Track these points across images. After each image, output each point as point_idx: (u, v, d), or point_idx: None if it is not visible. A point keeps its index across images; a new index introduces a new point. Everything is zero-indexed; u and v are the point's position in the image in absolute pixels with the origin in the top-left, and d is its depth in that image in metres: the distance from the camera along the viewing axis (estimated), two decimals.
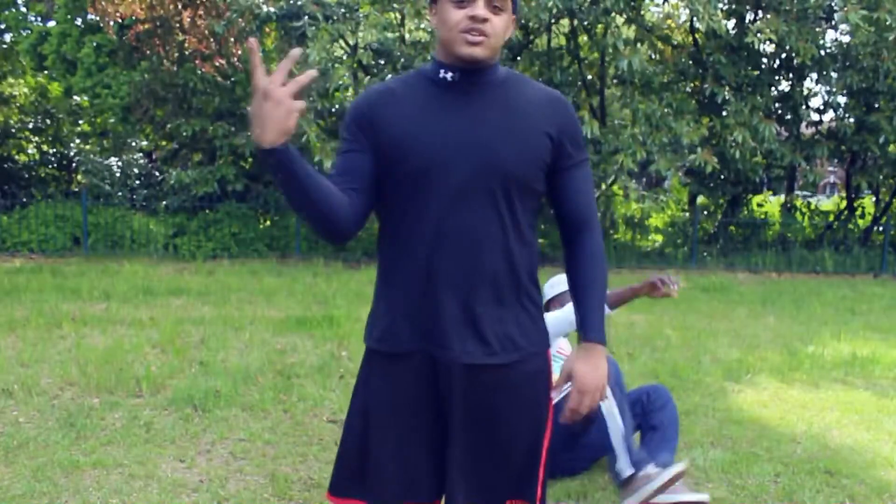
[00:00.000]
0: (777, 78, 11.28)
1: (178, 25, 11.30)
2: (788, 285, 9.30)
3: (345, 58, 10.61)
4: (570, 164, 1.57)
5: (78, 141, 15.14)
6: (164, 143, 13.41)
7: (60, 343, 5.12)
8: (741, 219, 12.25)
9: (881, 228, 11.96)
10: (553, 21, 10.47)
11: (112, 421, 3.58)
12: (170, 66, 11.37)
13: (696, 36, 11.38)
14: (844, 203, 13.08)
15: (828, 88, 10.90)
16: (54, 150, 14.50)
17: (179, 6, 11.22)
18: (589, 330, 1.57)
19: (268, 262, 10.43)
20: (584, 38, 11.48)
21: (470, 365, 1.52)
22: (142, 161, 13.05)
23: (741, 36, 10.16)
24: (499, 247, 1.51)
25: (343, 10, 9.65)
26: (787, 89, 11.38)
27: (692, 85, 11.55)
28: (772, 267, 10.90)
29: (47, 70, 12.72)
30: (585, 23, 10.01)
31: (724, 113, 10.06)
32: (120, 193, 11.64)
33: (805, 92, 11.37)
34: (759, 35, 9.26)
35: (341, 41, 10.59)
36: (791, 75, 11.27)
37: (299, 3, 9.69)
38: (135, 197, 11.77)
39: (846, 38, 11.15)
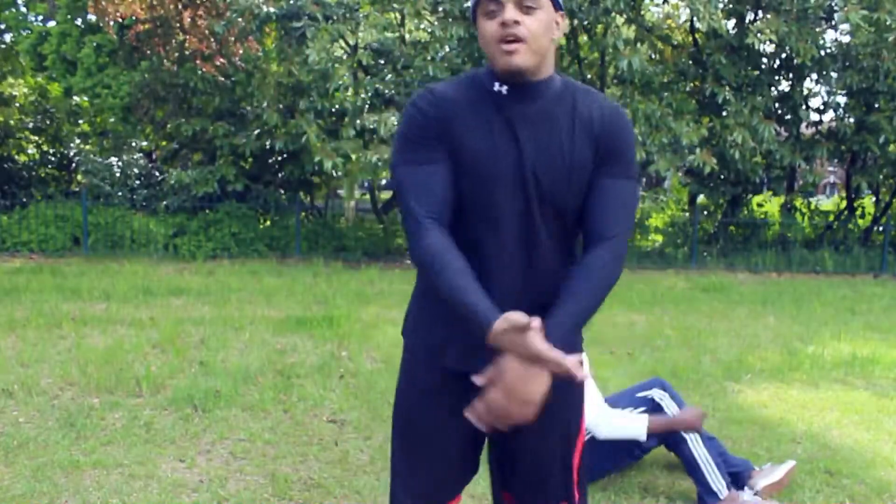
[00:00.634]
0: (777, 78, 11.28)
1: (178, 25, 11.30)
2: (788, 285, 9.29)
3: (345, 58, 10.60)
4: (607, 174, 1.48)
5: (78, 141, 15.14)
6: (164, 143, 13.41)
7: (60, 343, 5.13)
8: (741, 219, 12.25)
9: (881, 228, 11.96)
10: None
11: (112, 421, 3.58)
12: (170, 66, 11.37)
13: (696, 36, 11.38)
14: (844, 203, 13.08)
15: (828, 88, 10.89)
16: (54, 150, 14.50)
17: (180, 6, 11.23)
18: (548, 334, 1.39)
19: (268, 262, 10.42)
20: (584, 38, 11.48)
21: None
22: (142, 161, 13.05)
23: (741, 36, 10.16)
24: (553, 266, 1.49)
25: (343, 11, 9.65)
26: (787, 89, 11.37)
27: (692, 85, 11.54)
28: (772, 267, 10.90)
29: (47, 70, 12.71)
30: (585, 23, 10.01)
31: (724, 113, 10.06)
32: (120, 193, 11.64)
33: (805, 92, 11.36)
34: (759, 35, 9.26)
35: (341, 41, 10.59)
36: (791, 75, 11.26)
37: (299, 3, 9.69)
38: (135, 197, 11.77)
39: (846, 39, 11.15)
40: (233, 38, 10.91)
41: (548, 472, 1.60)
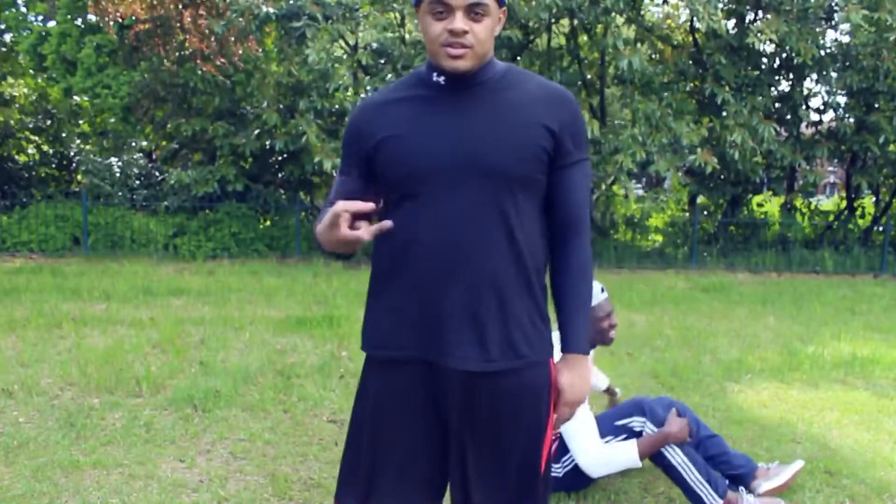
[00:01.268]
0: (777, 78, 11.28)
1: (178, 25, 11.30)
2: (788, 285, 9.29)
3: (345, 58, 10.61)
4: (569, 161, 1.52)
5: (78, 141, 15.14)
6: (164, 143, 13.41)
7: (60, 343, 5.13)
8: (741, 219, 12.25)
9: (881, 228, 11.96)
10: (553, 21, 10.47)
11: (112, 421, 3.58)
12: (170, 66, 11.37)
13: (696, 36, 11.38)
14: (844, 203, 13.08)
15: (828, 88, 10.89)
16: (54, 150, 14.50)
17: (180, 6, 11.22)
18: (573, 341, 1.55)
19: (268, 262, 10.43)
20: (584, 38, 11.48)
21: (467, 372, 1.48)
22: (142, 161, 13.05)
23: (741, 36, 10.16)
24: (502, 248, 1.47)
25: (343, 11, 9.65)
26: (786, 89, 11.37)
27: (692, 85, 11.54)
28: (772, 267, 10.90)
29: (47, 70, 12.70)
30: (585, 22, 10.01)
31: (724, 113, 10.06)
32: (120, 193, 11.64)
33: (805, 92, 11.36)
34: (759, 35, 9.26)
35: (341, 41, 10.59)
36: (791, 75, 11.26)
37: (299, 3, 9.69)
38: (135, 197, 11.77)
39: (846, 39, 11.15)
40: (233, 38, 10.91)
41: (512, 476, 1.55)
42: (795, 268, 10.89)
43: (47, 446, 3.23)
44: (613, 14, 9.43)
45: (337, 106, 10.71)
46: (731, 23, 11.32)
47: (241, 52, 11.25)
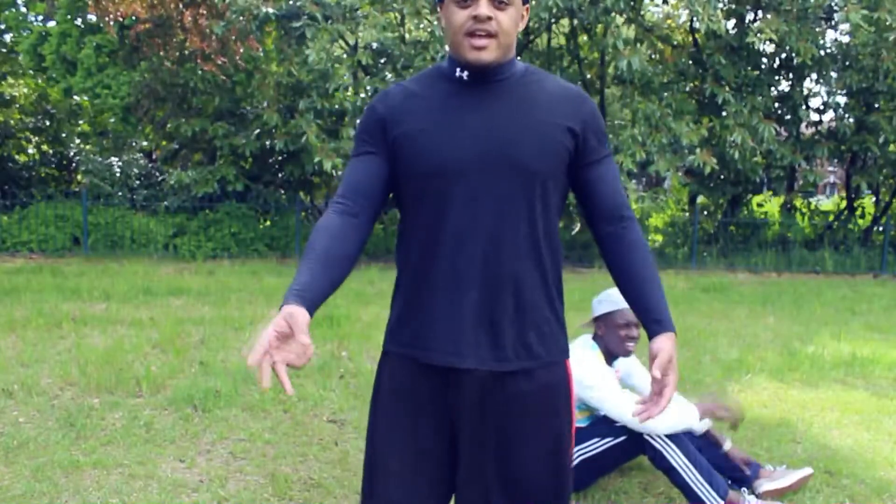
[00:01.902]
0: (777, 78, 11.28)
1: (179, 25, 11.30)
2: (788, 285, 9.29)
3: (345, 58, 10.61)
4: (598, 157, 1.53)
5: (78, 141, 15.14)
6: (164, 143, 13.41)
7: (60, 343, 5.13)
8: (741, 219, 12.25)
9: (881, 228, 11.96)
10: (553, 21, 10.48)
11: (112, 421, 3.58)
12: (170, 66, 11.37)
13: (696, 36, 11.38)
14: (844, 203, 13.08)
15: (827, 88, 10.90)
16: (54, 150, 14.50)
17: (181, 5, 11.22)
18: (666, 320, 1.50)
19: (268, 262, 10.43)
20: (583, 38, 11.48)
21: (481, 373, 1.46)
22: (142, 161, 13.06)
23: (741, 36, 10.17)
24: (523, 249, 1.46)
25: (343, 10, 9.65)
26: (786, 89, 11.38)
27: (692, 85, 11.55)
28: (772, 267, 10.90)
29: (47, 70, 12.70)
30: (585, 22, 10.01)
31: (724, 113, 10.06)
32: (120, 193, 11.65)
33: (805, 92, 11.37)
34: (759, 35, 9.27)
35: (341, 41, 10.59)
36: (791, 75, 11.27)
37: (299, 3, 9.70)
38: (135, 197, 11.77)
39: (846, 39, 11.15)
40: (234, 38, 10.91)
41: (538, 481, 1.53)
42: (795, 268, 10.89)
43: (47, 446, 3.23)
44: (613, 14, 9.43)
45: (337, 106, 10.71)
46: (731, 23, 11.33)
47: (241, 51, 11.25)
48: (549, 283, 1.51)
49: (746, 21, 11.13)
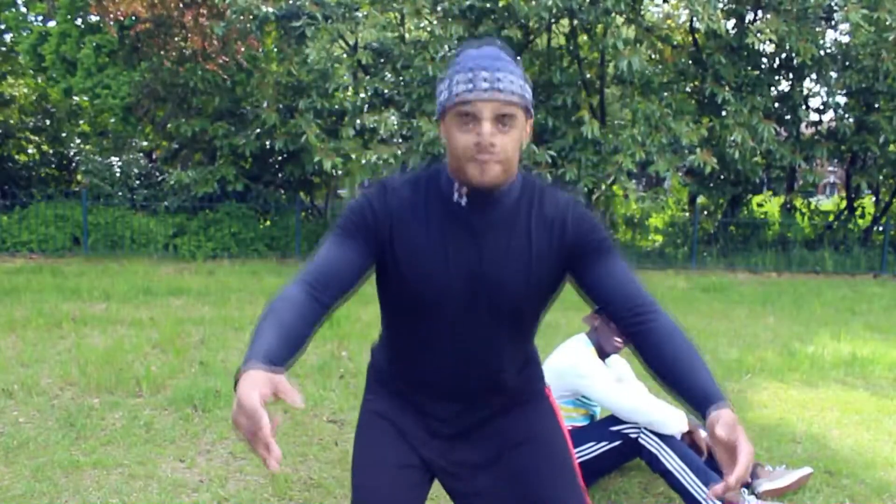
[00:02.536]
0: (777, 78, 11.28)
1: (179, 25, 11.29)
2: (788, 285, 9.29)
3: (344, 57, 10.60)
4: (599, 251, 1.48)
5: (78, 141, 15.14)
6: (164, 143, 13.41)
7: (60, 343, 5.13)
8: (741, 219, 12.25)
9: (881, 228, 11.96)
10: (553, 21, 10.47)
11: (112, 421, 3.58)
12: (171, 66, 11.37)
13: (696, 36, 11.38)
14: (844, 203, 13.08)
15: (827, 88, 10.90)
16: (54, 150, 14.49)
17: (181, 6, 11.22)
18: (722, 398, 1.33)
19: (268, 262, 10.43)
20: (583, 38, 11.47)
21: (462, 427, 1.60)
22: (142, 161, 13.05)
23: (741, 36, 10.16)
24: (505, 361, 1.56)
25: (343, 10, 9.65)
26: (786, 89, 11.38)
27: (692, 85, 11.55)
28: (772, 267, 10.90)
29: (47, 70, 12.70)
30: (585, 23, 10.01)
31: (724, 113, 10.06)
32: (120, 193, 11.64)
33: (805, 92, 11.37)
34: (759, 35, 9.27)
35: (341, 41, 10.59)
36: (791, 75, 11.27)
37: (299, 3, 9.69)
38: (135, 197, 11.77)
39: (846, 38, 11.15)
40: (234, 37, 10.91)
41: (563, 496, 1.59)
42: (795, 268, 10.89)
43: (47, 446, 3.23)
44: (613, 14, 9.43)
45: (337, 106, 10.71)
46: (731, 23, 11.33)
47: (242, 50, 11.25)
48: (530, 374, 1.64)
49: (746, 21, 11.13)
